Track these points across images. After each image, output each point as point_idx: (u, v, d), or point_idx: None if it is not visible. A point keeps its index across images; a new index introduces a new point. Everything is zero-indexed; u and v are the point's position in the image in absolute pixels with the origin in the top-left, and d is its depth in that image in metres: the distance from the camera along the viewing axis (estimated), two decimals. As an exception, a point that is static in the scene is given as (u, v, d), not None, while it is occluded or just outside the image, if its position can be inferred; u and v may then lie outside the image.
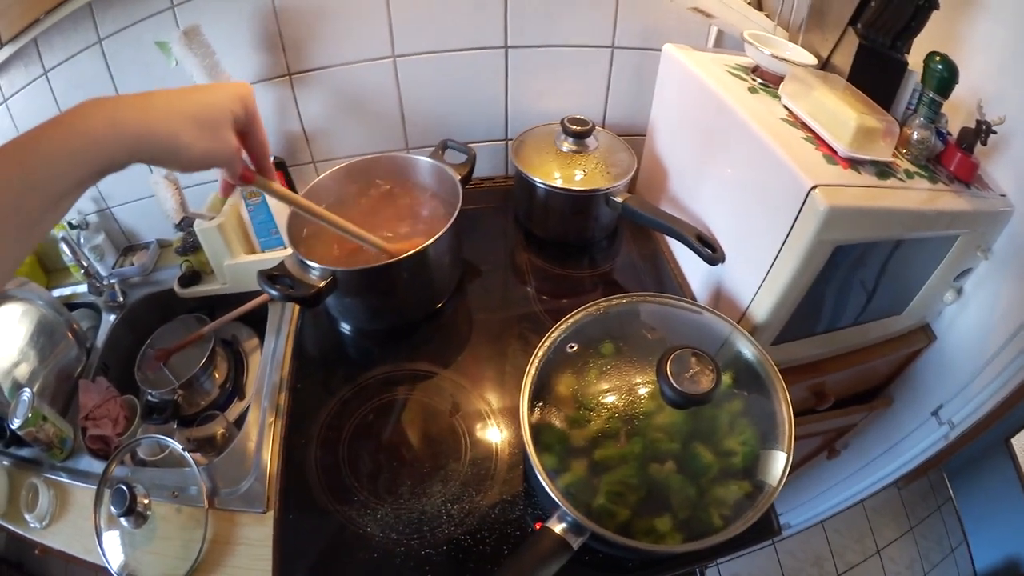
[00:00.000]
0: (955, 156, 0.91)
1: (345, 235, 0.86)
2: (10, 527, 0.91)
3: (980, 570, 2.04)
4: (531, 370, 0.75)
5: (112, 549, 0.83)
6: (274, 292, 0.84)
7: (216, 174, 0.61)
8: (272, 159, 1.08)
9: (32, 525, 0.89)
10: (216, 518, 0.84)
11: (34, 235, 0.44)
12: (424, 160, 1.06)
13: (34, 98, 1.06)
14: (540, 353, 0.77)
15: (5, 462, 0.96)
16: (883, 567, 2.07)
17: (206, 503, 0.84)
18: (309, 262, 0.87)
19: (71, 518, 0.90)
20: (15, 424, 0.88)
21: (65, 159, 0.43)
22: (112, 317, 1.18)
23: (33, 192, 0.42)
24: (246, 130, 0.59)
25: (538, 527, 0.66)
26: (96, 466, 0.94)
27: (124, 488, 0.81)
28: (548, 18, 1.12)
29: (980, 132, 0.88)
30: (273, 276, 0.86)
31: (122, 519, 0.82)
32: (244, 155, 0.62)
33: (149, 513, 0.84)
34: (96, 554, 0.83)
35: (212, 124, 0.53)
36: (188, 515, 0.85)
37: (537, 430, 0.71)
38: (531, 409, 0.72)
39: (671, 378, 0.65)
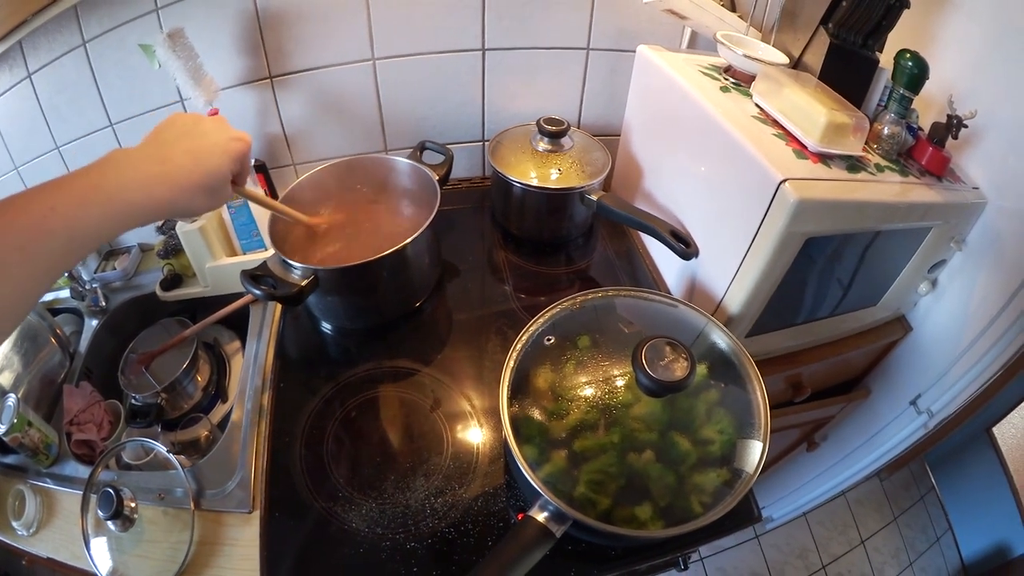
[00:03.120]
0: (926, 150, 0.93)
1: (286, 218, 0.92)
2: (-2, 536, 0.91)
3: (966, 557, 2.08)
4: (510, 363, 0.76)
5: (100, 554, 0.83)
6: (257, 292, 0.85)
7: None
8: (252, 162, 1.10)
9: (19, 532, 0.89)
10: (202, 519, 0.84)
11: (59, 276, 0.52)
12: (403, 161, 1.07)
13: (18, 101, 1.05)
14: (518, 347, 0.78)
15: (-10, 469, 0.96)
16: (868, 557, 2.09)
17: (192, 505, 0.84)
18: (291, 262, 0.88)
19: (58, 524, 0.90)
20: (0, 430, 0.87)
21: (108, 223, 0.52)
22: (95, 322, 1.18)
23: (76, 249, 0.50)
24: (237, 174, 0.67)
25: (520, 518, 0.67)
26: (82, 471, 0.93)
27: (111, 491, 0.81)
28: (524, 21, 1.14)
29: (951, 126, 0.91)
30: (256, 276, 0.87)
31: (109, 523, 0.82)
32: None
33: (136, 516, 0.84)
34: (84, 560, 0.82)
35: (217, 189, 0.62)
36: (175, 517, 0.84)
37: (517, 422, 0.72)
38: (511, 402, 0.73)
39: (646, 366, 0.67)
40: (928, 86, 0.87)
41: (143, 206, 0.54)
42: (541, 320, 0.81)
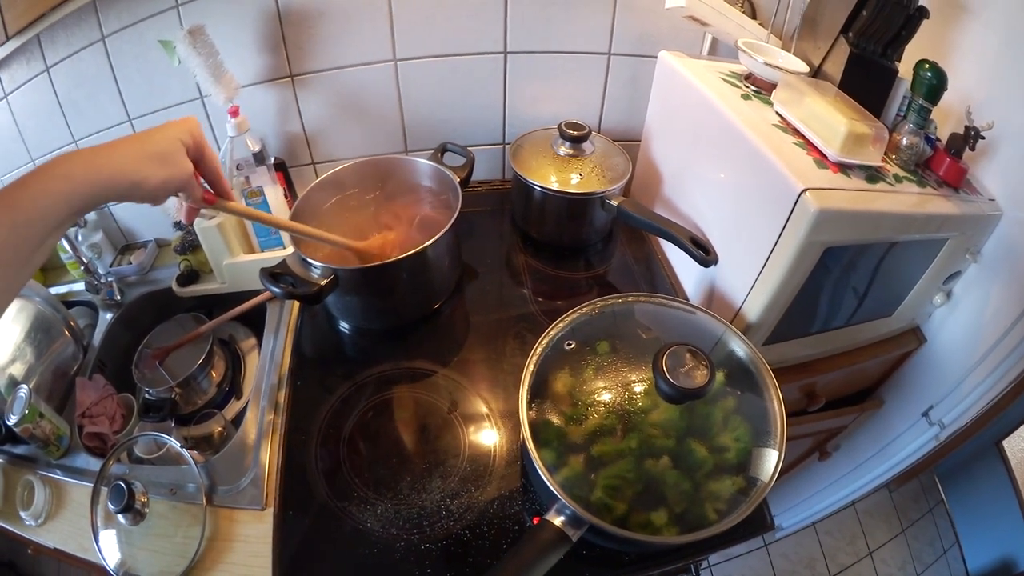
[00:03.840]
0: (944, 161, 0.93)
1: (315, 241, 0.90)
2: (5, 525, 0.91)
3: (973, 571, 2.06)
4: (529, 367, 0.76)
5: (109, 547, 0.83)
6: (277, 290, 0.85)
7: (180, 201, 0.67)
8: (272, 160, 1.10)
9: (27, 523, 0.89)
10: (214, 515, 0.84)
11: (24, 271, 0.50)
12: (424, 163, 1.07)
13: (35, 94, 1.06)
14: (538, 350, 0.78)
15: (0, 459, 0.96)
16: (875, 569, 2.08)
17: (204, 500, 0.84)
18: (311, 260, 0.88)
19: (67, 516, 0.90)
20: (11, 420, 0.88)
21: (50, 200, 0.50)
22: (109, 315, 1.19)
23: (24, 230, 0.49)
24: (197, 157, 0.65)
25: (536, 521, 0.67)
26: (93, 464, 0.93)
27: (122, 484, 0.81)
28: (546, 24, 1.14)
29: (968, 138, 0.90)
30: (276, 274, 0.87)
31: (119, 516, 0.82)
32: (203, 182, 0.68)
33: (147, 510, 0.83)
34: (92, 552, 0.82)
35: (165, 155, 0.60)
36: (186, 512, 0.84)
37: (536, 426, 0.72)
38: (530, 406, 0.73)
39: (667, 373, 0.67)
40: (946, 96, 0.87)
41: (85, 178, 0.52)
42: (561, 324, 0.81)
